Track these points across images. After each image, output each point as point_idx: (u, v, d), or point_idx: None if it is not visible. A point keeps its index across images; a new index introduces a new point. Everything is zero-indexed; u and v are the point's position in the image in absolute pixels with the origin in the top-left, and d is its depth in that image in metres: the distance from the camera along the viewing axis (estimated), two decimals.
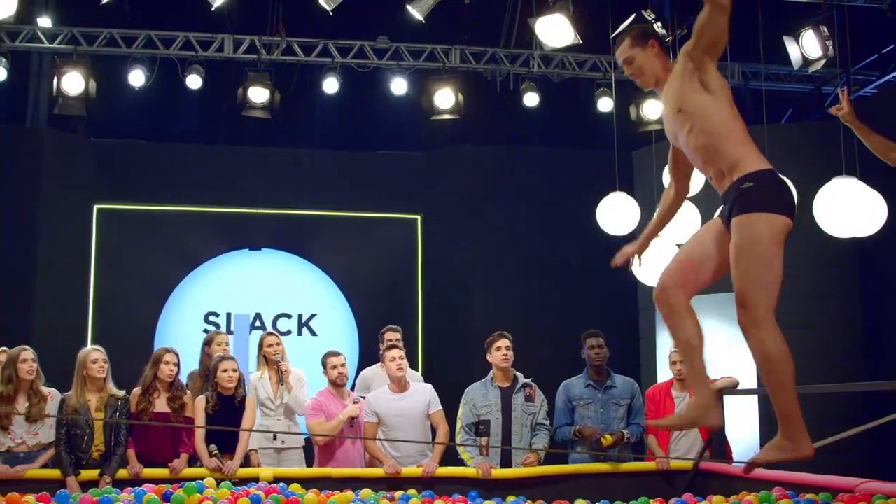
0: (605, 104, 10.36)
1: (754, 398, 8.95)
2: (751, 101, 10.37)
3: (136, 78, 10.05)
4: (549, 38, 8.54)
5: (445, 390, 7.38)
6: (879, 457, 8.61)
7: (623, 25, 8.01)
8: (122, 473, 6.41)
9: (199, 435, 6.66)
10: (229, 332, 10.90)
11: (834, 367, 9.20)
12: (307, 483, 6.31)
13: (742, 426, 8.80)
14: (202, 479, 6.15)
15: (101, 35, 9.97)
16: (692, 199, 6.79)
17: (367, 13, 10.05)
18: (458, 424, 7.03)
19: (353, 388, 7.74)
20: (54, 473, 6.40)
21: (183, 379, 7.15)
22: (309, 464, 7.21)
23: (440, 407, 7.10)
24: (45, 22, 10.02)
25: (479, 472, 6.62)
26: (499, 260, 11.42)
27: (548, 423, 7.07)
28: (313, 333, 11.41)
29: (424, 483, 6.53)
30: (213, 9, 8.55)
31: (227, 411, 6.77)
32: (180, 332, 10.96)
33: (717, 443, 6.83)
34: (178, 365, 6.86)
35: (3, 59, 9.68)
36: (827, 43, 8.64)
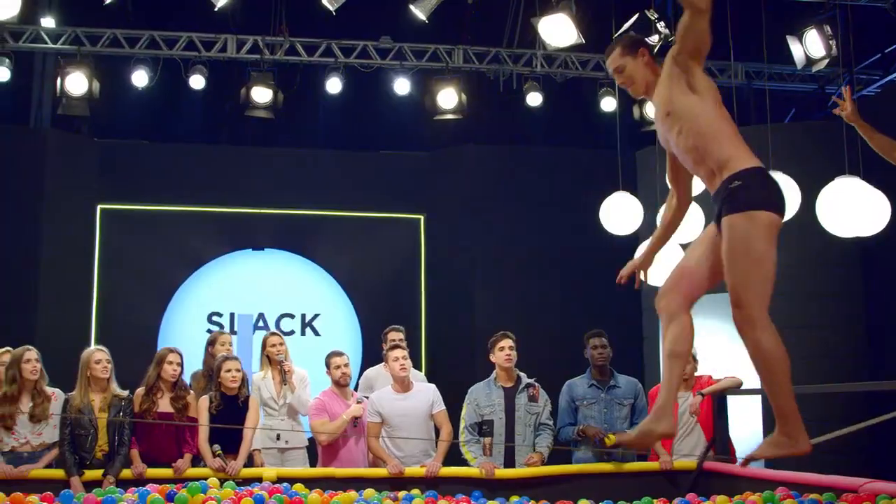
0: (609, 104, 10.36)
1: (757, 398, 8.94)
2: (754, 101, 10.37)
3: (140, 78, 10.06)
4: (551, 37, 8.54)
5: (449, 390, 7.38)
6: (883, 456, 8.61)
7: (626, 25, 8.01)
8: (126, 473, 6.41)
9: (203, 435, 6.67)
10: (233, 332, 10.89)
11: (837, 367, 9.20)
12: (311, 483, 6.31)
13: (745, 426, 8.79)
14: (206, 479, 6.15)
15: (105, 35, 9.98)
16: (696, 199, 6.78)
17: (370, 13, 10.06)
18: (462, 424, 7.03)
19: (356, 388, 7.74)
20: (58, 473, 6.40)
21: (186, 379, 7.15)
22: (312, 464, 7.21)
23: (444, 407, 7.10)
24: (48, 22, 10.03)
25: (482, 472, 6.61)
26: (502, 260, 11.42)
27: (551, 423, 7.07)
28: (317, 333, 11.42)
29: (428, 483, 6.53)
30: (216, 9, 8.56)
31: (231, 411, 6.77)
32: (184, 332, 10.97)
33: (720, 443, 6.83)
34: (181, 365, 6.86)
35: (7, 60, 9.69)
36: (830, 42, 8.63)
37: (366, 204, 11.65)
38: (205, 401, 6.80)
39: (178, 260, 11.32)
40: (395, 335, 7.57)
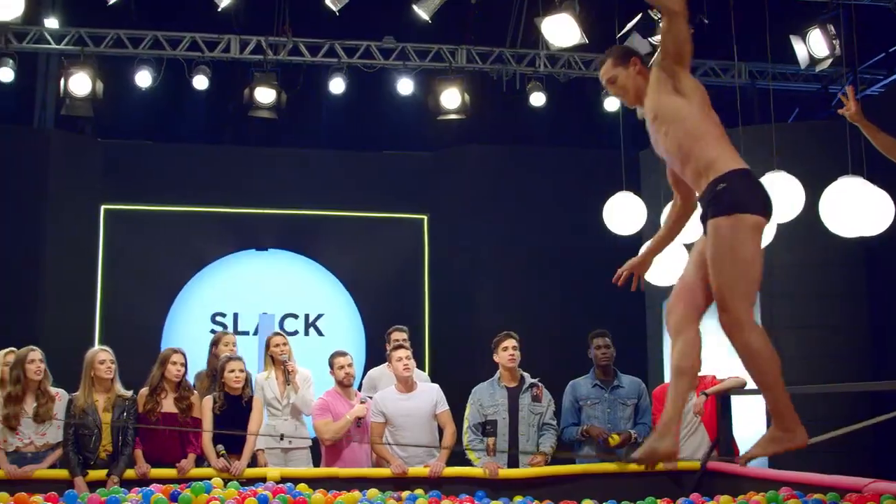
0: (612, 104, 10.34)
1: (761, 398, 8.92)
2: (758, 101, 10.36)
3: (143, 78, 10.06)
4: (555, 37, 8.53)
5: (452, 390, 7.38)
6: (886, 456, 8.60)
7: (629, 25, 8.02)
8: (130, 473, 6.42)
9: (207, 435, 6.68)
10: (237, 332, 10.89)
11: (840, 367, 9.19)
12: (314, 483, 6.32)
13: (749, 426, 8.78)
14: (210, 479, 6.16)
15: (108, 36, 9.99)
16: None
17: (373, 13, 10.05)
18: (465, 424, 7.03)
19: (359, 388, 7.74)
20: (62, 473, 6.42)
21: (190, 379, 7.16)
22: (316, 464, 7.21)
23: (447, 407, 7.10)
24: (52, 23, 10.03)
25: (486, 472, 6.62)
26: (506, 260, 11.41)
27: (555, 423, 7.07)
28: (320, 333, 11.42)
29: (431, 483, 6.54)
30: (219, 9, 8.56)
31: (235, 411, 6.78)
32: (187, 332, 10.98)
33: (724, 443, 6.82)
34: (185, 365, 6.87)
35: (11, 61, 9.70)
36: (834, 42, 8.62)
37: (369, 204, 11.65)
38: (208, 401, 6.81)
39: (182, 260, 11.33)
40: (399, 335, 7.58)
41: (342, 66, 10.31)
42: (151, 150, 11.53)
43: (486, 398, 7.01)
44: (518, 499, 6.31)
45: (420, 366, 8.57)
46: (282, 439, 7.12)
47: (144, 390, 6.78)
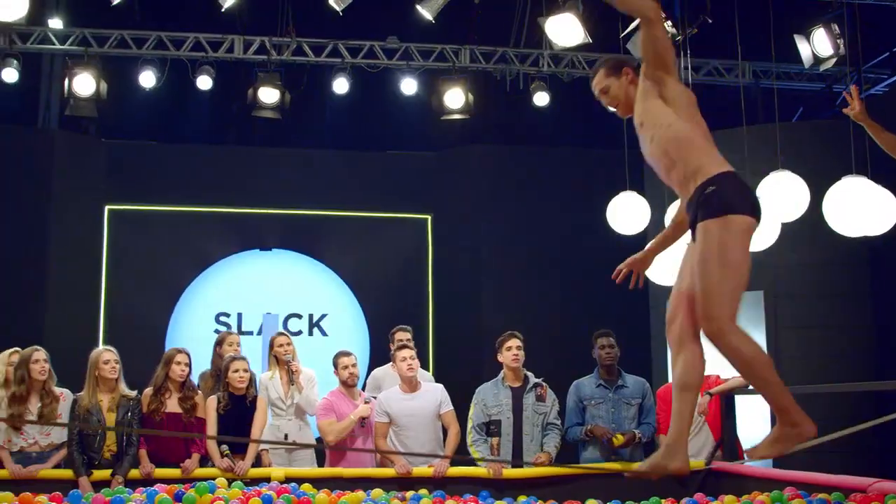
0: None
1: None
2: (762, 100, 10.35)
3: (147, 79, 10.07)
4: (558, 37, 8.53)
5: (456, 390, 7.38)
6: (891, 456, 8.59)
7: (633, 25, 8.01)
8: (134, 473, 6.43)
9: (211, 434, 6.68)
10: (240, 332, 10.89)
11: (844, 367, 9.18)
12: (318, 483, 6.32)
13: (753, 426, 8.78)
14: (214, 479, 6.17)
15: (112, 36, 10.00)
16: None
17: (376, 13, 10.06)
18: (469, 424, 7.03)
19: (363, 388, 7.75)
20: (67, 473, 6.42)
21: (194, 379, 7.17)
22: (320, 464, 7.22)
23: (451, 407, 7.10)
24: (56, 23, 10.05)
25: (490, 472, 6.62)
26: (509, 260, 11.41)
27: (559, 422, 7.07)
28: (324, 333, 11.43)
29: (436, 483, 6.54)
30: (223, 10, 8.57)
31: (239, 411, 6.79)
32: (191, 332, 10.98)
33: (728, 442, 6.82)
34: (189, 365, 6.87)
35: (15, 61, 9.71)
36: (838, 41, 8.61)
37: (373, 204, 11.65)
38: (213, 401, 6.82)
39: (186, 260, 11.33)
40: (403, 335, 7.58)
41: (346, 66, 10.32)
42: (155, 150, 11.54)
43: (490, 398, 7.01)
44: (522, 499, 6.31)
45: (424, 366, 8.58)
46: (286, 439, 7.14)
47: (149, 390, 6.79)
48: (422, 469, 6.67)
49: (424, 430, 6.97)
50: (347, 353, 7.19)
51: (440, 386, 7.27)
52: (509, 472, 6.68)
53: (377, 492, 6.12)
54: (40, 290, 10.47)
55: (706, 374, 7.01)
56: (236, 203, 11.45)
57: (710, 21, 8.23)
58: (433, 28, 9.16)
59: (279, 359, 7.35)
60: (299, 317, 11.41)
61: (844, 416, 7.22)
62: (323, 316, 11.48)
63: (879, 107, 9.41)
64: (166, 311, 11.18)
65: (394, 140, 11.90)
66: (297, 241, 11.57)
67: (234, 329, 10.97)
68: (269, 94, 10.00)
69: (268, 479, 6.42)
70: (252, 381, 6.95)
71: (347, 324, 11.48)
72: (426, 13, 8.55)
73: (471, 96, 10.20)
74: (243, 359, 6.95)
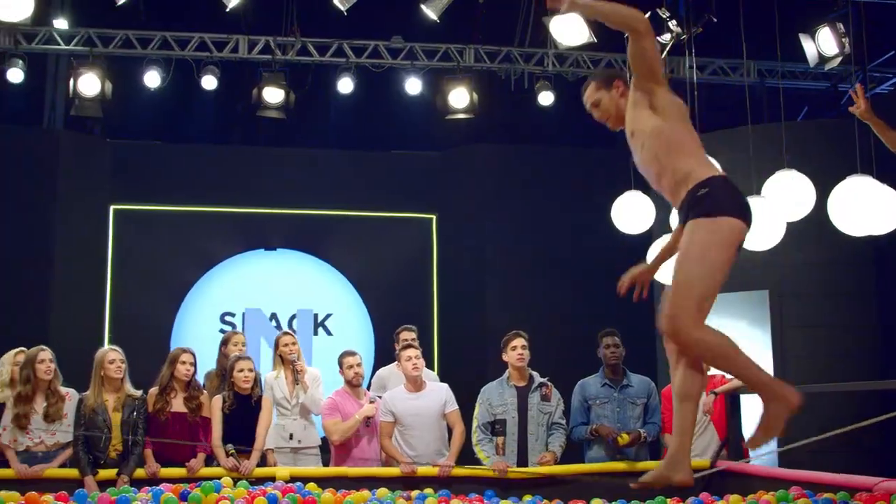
0: None
1: None
2: (767, 99, 10.34)
3: (152, 79, 10.08)
4: (563, 36, 8.53)
5: (461, 389, 7.38)
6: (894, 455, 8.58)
7: None
8: (140, 473, 6.43)
9: (216, 434, 6.69)
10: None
11: (849, 366, 9.16)
12: (324, 482, 6.33)
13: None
14: (219, 478, 6.17)
15: (117, 36, 10.01)
16: None
17: (381, 13, 10.06)
18: (474, 424, 7.03)
19: (368, 388, 7.75)
20: (72, 473, 6.43)
21: (200, 379, 7.17)
22: (325, 463, 7.22)
23: (456, 406, 7.10)
24: (61, 24, 10.06)
25: (495, 472, 6.62)
26: (514, 259, 11.41)
27: (564, 422, 7.07)
28: (329, 333, 11.43)
29: (441, 482, 6.54)
30: (227, 10, 8.58)
31: (244, 411, 6.79)
32: (196, 331, 11.00)
33: (733, 442, 6.82)
34: (194, 365, 6.88)
35: (20, 61, 9.73)
36: (843, 40, 8.60)
37: (377, 204, 11.66)
38: (218, 400, 6.82)
39: (191, 260, 11.35)
40: (408, 335, 7.58)
41: (350, 65, 10.32)
42: (160, 150, 11.55)
43: (496, 397, 7.01)
44: (527, 498, 6.31)
45: (429, 365, 8.58)
46: (291, 438, 7.14)
47: (154, 390, 6.80)
48: (427, 468, 6.67)
49: (429, 429, 6.97)
50: (352, 353, 7.20)
51: (445, 385, 7.27)
52: (514, 471, 6.68)
53: (382, 491, 6.13)
54: (45, 290, 10.48)
55: (711, 373, 7.08)
56: (241, 203, 11.46)
57: (715, 20, 8.23)
58: (438, 27, 9.16)
59: (284, 358, 7.35)
60: (305, 316, 11.39)
61: (849, 415, 7.20)
62: (328, 315, 11.48)
63: (885, 105, 9.39)
64: (171, 310, 11.20)
65: (398, 140, 11.90)
66: (302, 240, 11.58)
67: (239, 328, 10.98)
68: (273, 94, 10.01)
69: (273, 479, 6.42)
70: (257, 380, 6.95)
71: (352, 323, 11.49)
72: (431, 13, 8.56)
73: (475, 96, 10.19)
74: (248, 358, 6.96)
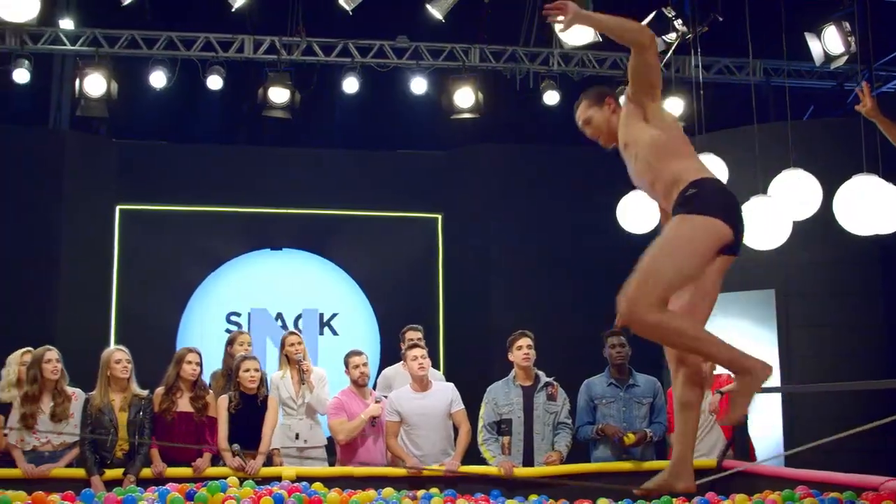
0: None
1: (777, 396, 8.91)
2: (773, 98, 10.33)
3: (158, 79, 10.08)
4: (568, 36, 8.52)
5: (467, 389, 7.38)
6: None
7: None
8: (146, 472, 6.46)
9: (223, 434, 6.70)
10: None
11: (855, 365, 9.15)
12: (330, 482, 6.34)
13: (765, 425, 8.77)
14: (225, 478, 6.18)
15: (123, 37, 10.02)
16: None
17: (386, 13, 10.06)
18: (480, 423, 7.03)
19: (374, 388, 7.75)
20: (79, 472, 6.45)
21: (206, 378, 7.18)
22: (331, 463, 7.23)
23: (462, 406, 7.11)
24: (66, 24, 10.07)
25: (501, 471, 6.62)
26: (519, 259, 11.40)
27: (570, 422, 7.07)
28: (335, 333, 11.44)
29: (447, 482, 6.54)
30: (233, 10, 8.59)
31: (250, 411, 6.80)
32: (202, 331, 11.00)
33: (739, 441, 6.81)
34: (200, 364, 6.89)
35: (26, 62, 9.74)
36: (849, 39, 8.58)
37: (383, 203, 11.65)
38: (224, 400, 6.83)
39: (197, 260, 11.35)
40: (414, 334, 7.59)
41: (356, 65, 10.32)
42: (166, 150, 11.56)
43: (501, 397, 7.01)
44: (533, 498, 6.31)
45: (435, 365, 8.58)
46: (297, 438, 7.15)
47: (160, 390, 6.81)
48: (433, 468, 6.67)
49: (435, 429, 6.98)
50: (358, 353, 7.21)
51: (451, 385, 7.27)
52: (520, 471, 6.68)
53: (388, 491, 6.13)
54: (52, 290, 10.49)
55: (717, 372, 7.08)
56: (247, 203, 11.46)
57: (721, 19, 8.21)
58: (443, 27, 9.15)
59: (290, 358, 7.36)
60: (311, 315, 11.40)
61: (855, 414, 7.20)
62: (334, 315, 11.49)
63: (891, 104, 9.35)
64: (177, 310, 11.20)
65: (404, 139, 11.89)
66: (308, 240, 11.58)
67: (245, 328, 10.99)
68: (279, 94, 10.01)
69: (279, 479, 6.44)
70: (263, 380, 6.96)
71: (358, 323, 11.49)
72: (436, 12, 8.55)
73: (481, 95, 10.19)
74: (254, 358, 6.97)
